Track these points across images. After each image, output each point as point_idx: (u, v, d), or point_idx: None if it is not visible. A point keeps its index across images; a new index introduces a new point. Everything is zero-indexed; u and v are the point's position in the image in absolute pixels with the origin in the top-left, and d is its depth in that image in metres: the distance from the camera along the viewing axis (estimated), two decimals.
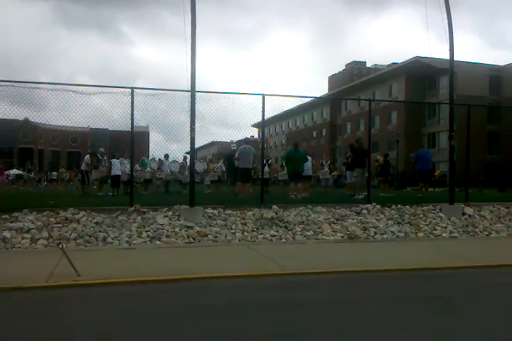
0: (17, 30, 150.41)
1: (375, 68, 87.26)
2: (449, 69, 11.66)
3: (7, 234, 7.73)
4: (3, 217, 8.40)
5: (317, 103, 61.47)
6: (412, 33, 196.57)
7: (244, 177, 13.38)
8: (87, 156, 16.87)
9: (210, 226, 8.90)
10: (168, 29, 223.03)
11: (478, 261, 6.84)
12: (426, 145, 43.50)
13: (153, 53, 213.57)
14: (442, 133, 42.97)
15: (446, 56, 11.37)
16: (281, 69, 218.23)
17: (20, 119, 16.17)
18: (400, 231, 9.44)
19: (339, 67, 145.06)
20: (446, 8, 10.85)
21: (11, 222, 8.24)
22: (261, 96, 10.46)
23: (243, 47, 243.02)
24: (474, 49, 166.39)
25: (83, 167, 16.51)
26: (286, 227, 9.20)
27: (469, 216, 10.61)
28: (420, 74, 47.47)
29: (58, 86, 9.73)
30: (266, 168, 16.94)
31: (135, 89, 9.70)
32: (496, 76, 47.17)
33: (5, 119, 11.61)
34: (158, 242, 8.15)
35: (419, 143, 19.54)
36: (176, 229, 8.60)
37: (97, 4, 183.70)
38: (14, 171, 31.93)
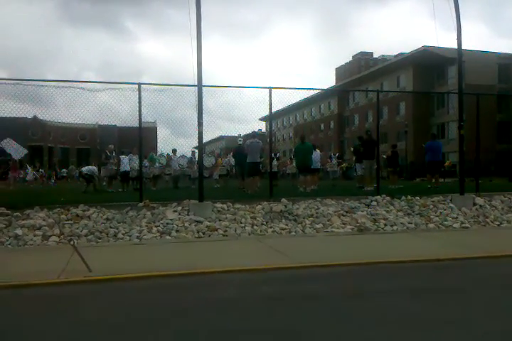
0: (22, 29, 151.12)
1: (383, 59, 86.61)
2: (458, 58, 11.53)
3: (19, 231, 7.80)
4: (15, 214, 8.47)
5: (324, 95, 61.03)
6: (419, 22, 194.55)
7: (253, 171, 13.38)
8: (95, 168, 16.71)
9: (220, 220, 8.92)
10: (172, 24, 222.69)
11: (491, 251, 6.78)
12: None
13: (158, 49, 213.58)
14: (451, 124, 42.63)
15: (454, 45, 11.24)
16: (287, 62, 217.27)
17: (28, 117, 16.21)
18: (410, 223, 9.39)
19: (346, 58, 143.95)
20: None
21: (23, 220, 8.32)
22: (268, 90, 10.42)
23: (248, 41, 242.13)
24: (481, 38, 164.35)
25: (87, 172, 16.25)
26: (295, 220, 9.19)
27: (480, 206, 10.53)
28: (428, 64, 47.04)
29: (65, 83, 9.75)
30: (274, 162, 16.94)
31: (142, 85, 9.72)
32: (504, 64, 46.62)
33: (14, 117, 11.70)
34: (168, 237, 8.18)
35: (429, 133, 19.37)
36: (186, 224, 8.63)
37: (100, 1, 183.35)
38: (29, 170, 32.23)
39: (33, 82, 9.46)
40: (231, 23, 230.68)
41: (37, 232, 7.87)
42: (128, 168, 16.65)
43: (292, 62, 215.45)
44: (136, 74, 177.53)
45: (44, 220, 8.28)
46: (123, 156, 17.15)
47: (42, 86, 9.51)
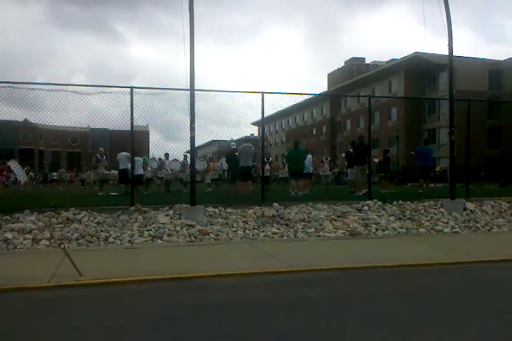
0: (12, 32, 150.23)
1: (375, 64, 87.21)
2: (449, 64, 11.63)
3: (9, 234, 7.72)
4: (5, 218, 8.40)
5: (317, 100, 61.38)
6: (410, 28, 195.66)
7: (245, 175, 13.39)
8: (124, 154, 15.48)
9: (212, 224, 8.90)
10: (164, 28, 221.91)
11: (481, 256, 6.82)
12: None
13: (148, 52, 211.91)
14: (442, 129, 42.97)
15: (445, 51, 11.35)
16: (279, 67, 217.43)
17: (19, 120, 16.06)
18: (401, 227, 9.43)
19: (338, 63, 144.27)
20: (444, 2, 10.81)
21: (13, 223, 8.24)
22: (260, 94, 10.44)
23: (240, 45, 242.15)
24: (470, 44, 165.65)
25: (121, 166, 15.43)
26: (287, 225, 9.19)
27: (471, 211, 10.60)
28: (420, 70, 47.48)
29: (57, 86, 9.71)
30: (266, 166, 16.96)
31: (134, 89, 9.69)
32: (495, 70, 47.17)
33: (4, 120, 11.63)
34: (159, 241, 8.15)
35: (421, 138, 19.36)
36: (178, 228, 8.60)
37: (90, 5, 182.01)
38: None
39: (24, 85, 9.39)
40: (223, 28, 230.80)
41: (27, 236, 7.80)
42: (142, 171, 15.93)
43: (284, 66, 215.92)
44: (127, 77, 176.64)
45: (34, 224, 8.20)
46: (139, 158, 15.83)
47: (33, 89, 9.45)
